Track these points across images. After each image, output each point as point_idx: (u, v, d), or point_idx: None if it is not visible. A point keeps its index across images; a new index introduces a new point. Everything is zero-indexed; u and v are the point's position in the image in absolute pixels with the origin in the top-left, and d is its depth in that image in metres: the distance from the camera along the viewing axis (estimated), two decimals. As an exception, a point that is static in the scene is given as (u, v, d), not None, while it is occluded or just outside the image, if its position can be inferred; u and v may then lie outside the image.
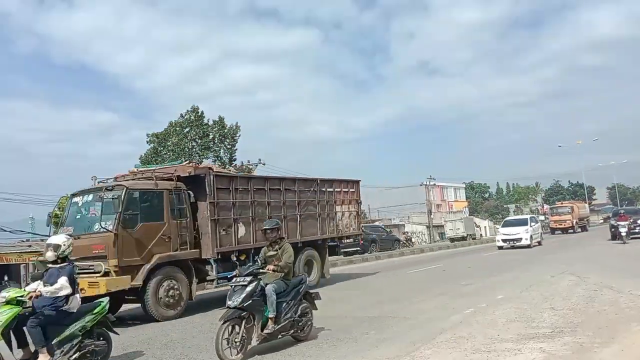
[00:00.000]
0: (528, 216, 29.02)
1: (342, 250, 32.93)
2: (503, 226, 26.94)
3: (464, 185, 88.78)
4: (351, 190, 15.07)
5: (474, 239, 41.36)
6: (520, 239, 23.90)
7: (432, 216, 57.38)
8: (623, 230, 21.87)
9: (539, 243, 25.65)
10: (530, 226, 24.92)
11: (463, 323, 7.01)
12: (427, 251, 30.50)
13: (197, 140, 41.04)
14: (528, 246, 23.56)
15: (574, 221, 41.02)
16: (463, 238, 40.15)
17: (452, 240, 40.89)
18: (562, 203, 48.46)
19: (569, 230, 40.69)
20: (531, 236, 24.16)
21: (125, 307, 12.75)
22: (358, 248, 29.07)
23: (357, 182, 15.61)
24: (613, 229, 24.33)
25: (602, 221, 62.84)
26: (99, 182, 10.78)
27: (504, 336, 5.99)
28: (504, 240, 24.61)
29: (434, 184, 65.78)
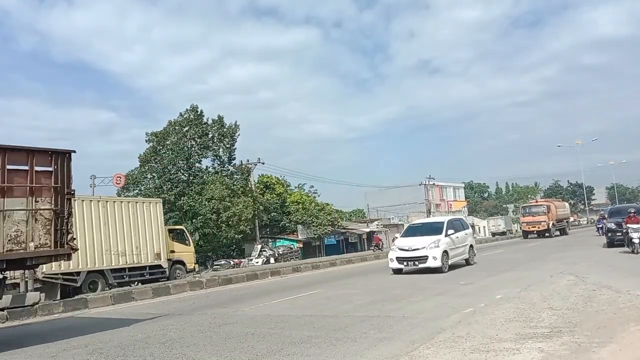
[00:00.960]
0: (445, 219, 17.39)
1: None
2: (404, 235, 17.33)
3: (463, 185, 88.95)
4: (40, 168, 8.32)
5: (511, 233, 47.50)
6: (425, 257, 14.83)
7: (431, 216, 57.43)
8: (635, 236, 16.53)
9: (467, 262, 16.93)
10: (447, 235, 15.65)
11: (462, 323, 7.01)
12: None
13: (196, 139, 41.11)
14: (439, 269, 14.74)
15: (551, 223, 35.73)
16: (503, 233, 43.91)
17: (494, 234, 46.98)
18: (536, 201, 41.89)
19: (546, 234, 35.60)
20: (445, 252, 15.10)
21: (119, 307, 12.79)
22: None
23: (61, 154, 8.63)
24: (610, 234, 19.82)
25: None
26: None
27: (503, 336, 5.99)
28: (401, 260, 15.37)
29: (433, 184, 65.91)
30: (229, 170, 42.73)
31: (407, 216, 62.14)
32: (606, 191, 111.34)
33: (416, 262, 15.02)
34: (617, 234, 19.14)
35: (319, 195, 53.06)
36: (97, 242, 16.57)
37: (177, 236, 21.04)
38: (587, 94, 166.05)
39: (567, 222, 41.72)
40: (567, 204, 45.74)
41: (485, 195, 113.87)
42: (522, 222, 38.04)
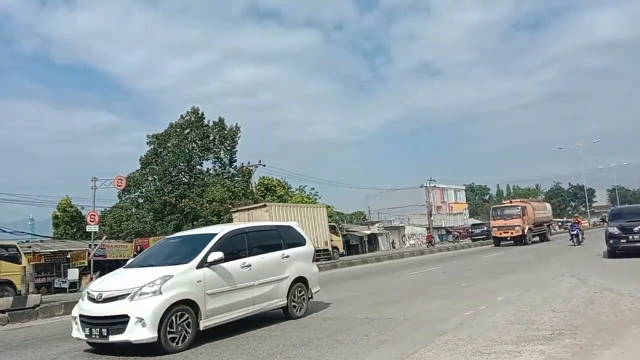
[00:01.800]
0: (221, 228, 8.04)
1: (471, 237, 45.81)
2: (133, 262, 8.13)
3: (464, 187, 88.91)
4: None
5: None
6: (124, 319, 6.35)
7: (432, 218, 57.34)
8: None
9: (287, 313, 8.70)
10: (207, 265, 7.11)
11: (463, 325, 7.00)
12: (427, 253, 30.51)
13: (197, 141, 41.12)
14: (159, 347, 6.43)
15: (527, 227, 29.96)
16: None
17: None
18: (510, 202, 34.59)
19: (522, 240, 30.35)
20: (182, 305, 6.67)
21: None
22: (484, 236, 40.99)
23: None
24: (612, 241, 15.97)
25: None
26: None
27: (504, 338, 5.99)
28: (86, 322, 6.73)
29: (435, 186, 65.92)
30: (229, 172, 42.73)
31: (407, 218, 62.13)
32: (607, 193, 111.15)
33: (103, 330, 6.58)
34: (622, 240, 15.87)
35: (319, 198, 53.05)
36: None
37: (334, 230, 30.27)
38: (588, 96, 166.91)
39: (548, 226, 35.81)
40: (548, 205, 38.06)
41: (487, 197, 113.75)
42: (493, 227, 31.89)
